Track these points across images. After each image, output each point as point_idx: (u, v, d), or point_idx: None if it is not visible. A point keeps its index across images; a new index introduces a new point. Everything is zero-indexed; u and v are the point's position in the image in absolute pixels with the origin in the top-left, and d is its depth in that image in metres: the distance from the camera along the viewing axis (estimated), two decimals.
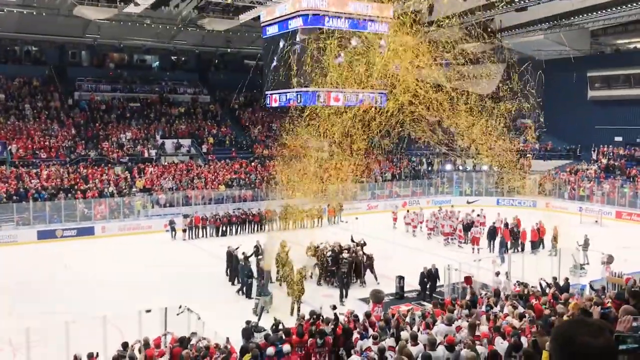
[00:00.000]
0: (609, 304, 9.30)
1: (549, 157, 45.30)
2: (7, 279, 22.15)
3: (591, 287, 16.24)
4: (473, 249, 26.88)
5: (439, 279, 19.67)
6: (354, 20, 24.97)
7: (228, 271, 22.36)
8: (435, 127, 22.21)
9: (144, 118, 43.88)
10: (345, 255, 20.95)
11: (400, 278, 20.11)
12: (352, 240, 22.57)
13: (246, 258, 21.00)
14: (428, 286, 19.67)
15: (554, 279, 16.84)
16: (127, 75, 47.53)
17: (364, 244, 22.34)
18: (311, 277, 21.49)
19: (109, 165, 37.57)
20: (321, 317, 13.05)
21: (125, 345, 11.50)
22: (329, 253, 21.40)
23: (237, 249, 22.09)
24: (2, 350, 14.08)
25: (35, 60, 45.81)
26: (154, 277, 22.24)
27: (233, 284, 21.64)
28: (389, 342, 10.15)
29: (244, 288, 20.50)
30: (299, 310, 17.55)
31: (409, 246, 27.33)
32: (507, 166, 24.59)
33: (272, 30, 28.27)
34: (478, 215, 30.26)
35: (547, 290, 15.35)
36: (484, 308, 13.35)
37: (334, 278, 21.09)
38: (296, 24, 25.77)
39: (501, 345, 9.04)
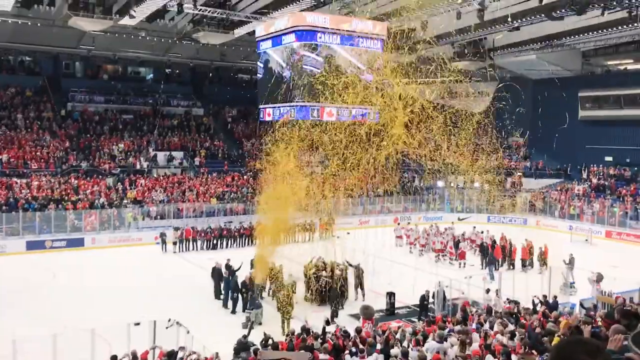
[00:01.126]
0: (600, 323, 9.34)
1: (539, 175, 45.53)
2: None
3: (582, 305, 16.30)
4: (460, 263, 27.29)
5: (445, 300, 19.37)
6: (346, 37, 25.17)
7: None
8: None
9: (136, 130, 43.82)
10: (323, 274, 20.83)
11: (391, 294, 20.08)
12: (350, 265, 22.13)
13: (233, 272, 20.94)
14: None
15: (544, 297, 16.90)
16: (120, 87, 47.51)
17: (361, 271, 21.99)
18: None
19: (101, 176, 37.44)
20: (311, 333, 13.02)
21: (114, 358, 11.39)
22: (312, 271, 21.25)
23: (228, 262, 21.98)
24: None
25: (29, 70, 45.77)
26: (144, 290, 22.06)
27: (216, 298, 21.55)
28: (379, 358, 10.12)
29: (229, 302, 20.33)
30: (288, 325, 17.45)
31: (401, 262, 27.25)
32: (490, 184, 24.83)
33: (266, 45, 28.49)
34: (482, 232, 30.42)
35: (538, 308, 15.39)
36: (474, 325, 13.35)
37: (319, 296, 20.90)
38: (289, 39, 25.98)
39: None
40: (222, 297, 21.15)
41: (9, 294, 21.27)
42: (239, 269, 21.33)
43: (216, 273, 21.77)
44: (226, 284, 20.73)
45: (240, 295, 20.08)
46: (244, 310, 19.57)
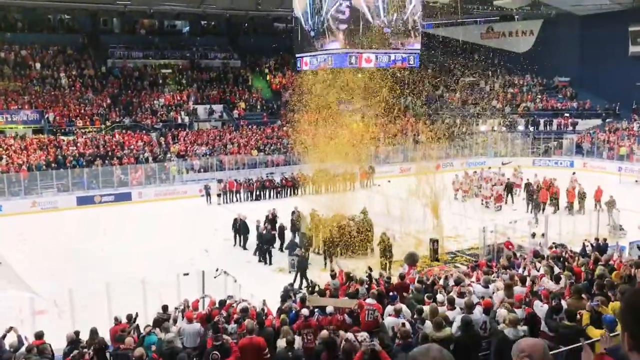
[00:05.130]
0: None
1: (587, 115, 44.01)
2: (49, 243, 22.84)
3: (639, 247, 15.93)
4: (497, 206, 27.40)
5: None
6: None
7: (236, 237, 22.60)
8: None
9: (176, 84, 44.06)
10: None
11: (434, 241, 20.08)
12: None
13: (273, 221, 21.29)
14: None
15: (596, 239, 16.58)
16: (158, 41, 47.62)
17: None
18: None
19: (144, 131, 38.07)
20: (355, 279, 13.15)
21: (165, 307, 11.74)
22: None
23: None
24: (47, 312, 14.52)
25: (69, 28, 46.19)
26: (191, 241, 22.52)
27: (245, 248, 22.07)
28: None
29: (262, 254, 20.61)
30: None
31: (445, 209, 27.05)
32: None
33: None
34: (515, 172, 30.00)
35: (588, 250, 15.13)
36: (520, 270, 13.24)
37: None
38: None
39: (540, 308, 8.94)
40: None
41: (62, 248, 22.08)
42: (274, 219, 21.70)
43: (236, 225, 22.30)
44: (259, 237, 20.90)
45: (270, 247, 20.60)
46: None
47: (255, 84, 46.95)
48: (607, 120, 42.84)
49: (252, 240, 21.66)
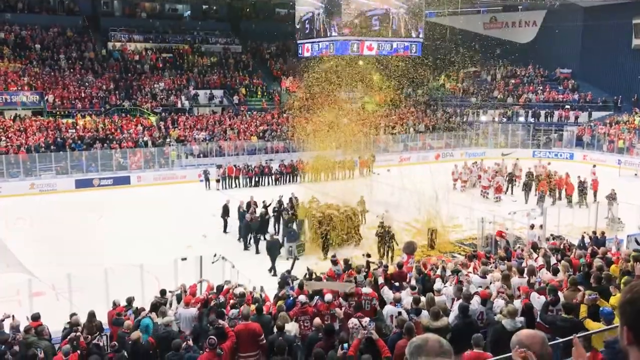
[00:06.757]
0: None
1: (588, 108, 43.87)
2: (47, 226, 22.80)
3: (637, 241, 15.95)
4: (496, 197, 27.32)
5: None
6: None
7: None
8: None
9: (176, 68, 43.86)
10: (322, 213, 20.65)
11: (433, 231, 20.08)
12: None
13: (265, 208, 21.27)
14: None
15: (594, 233, 16.60)
16: (159, 25, 47.31)
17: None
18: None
19: (143, 115, 37.93)
20: (353, 267, 13.18)
21: (163, 292, 11.75)
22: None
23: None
24: (45, 295, 14.56)
25: (69, 10, 45.83)
26: (189, 226, 22.50)
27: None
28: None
29: (250, 242, 20.48)
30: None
31: (443, 199, 27.00)
32: None
33: None
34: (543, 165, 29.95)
35: (587, 242, 15.14)
36: (516, 262, 13.23)
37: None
38: None
39: (537, 300, 8.95)
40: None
41: (60, 230, 22.03)
42: (269, 205, 21.61)
43: (225, 211, 22.29)
44: (245, 227, 20.69)
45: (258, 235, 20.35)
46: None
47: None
48: (595, 114, 42.58)
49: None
